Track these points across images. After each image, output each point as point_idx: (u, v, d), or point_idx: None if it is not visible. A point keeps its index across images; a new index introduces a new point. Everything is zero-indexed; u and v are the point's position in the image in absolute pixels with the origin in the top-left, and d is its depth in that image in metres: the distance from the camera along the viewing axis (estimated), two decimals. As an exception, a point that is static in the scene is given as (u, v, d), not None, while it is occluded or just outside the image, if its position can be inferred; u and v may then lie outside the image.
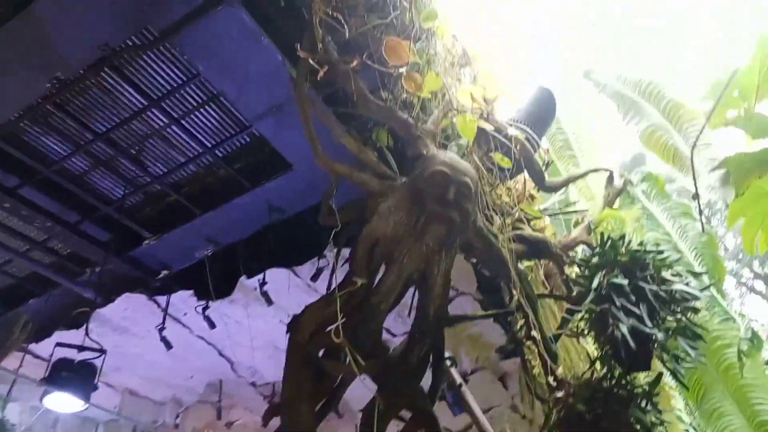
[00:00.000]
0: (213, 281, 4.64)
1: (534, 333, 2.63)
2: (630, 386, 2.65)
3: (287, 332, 2.65)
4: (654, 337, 2.49)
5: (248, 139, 4.26)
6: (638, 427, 2.55)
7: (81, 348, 3.65)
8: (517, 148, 2.90)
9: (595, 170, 3.30)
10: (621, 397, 2.58)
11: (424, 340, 2.73)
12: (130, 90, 3.75)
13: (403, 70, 2.48)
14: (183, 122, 4.07)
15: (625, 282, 2.59)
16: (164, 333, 4.78)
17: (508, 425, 5.95)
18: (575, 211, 4.01)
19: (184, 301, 5.25)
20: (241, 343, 5.48)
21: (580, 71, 5.19)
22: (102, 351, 3.60)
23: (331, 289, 2.70)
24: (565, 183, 3.30)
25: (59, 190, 4.43)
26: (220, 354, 6.12)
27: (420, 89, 2.49)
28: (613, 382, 2.71)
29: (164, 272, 5.01)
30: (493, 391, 6.65)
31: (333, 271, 2.88)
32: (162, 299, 5.13)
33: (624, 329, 2.49)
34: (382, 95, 3.12)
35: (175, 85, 3.75)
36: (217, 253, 4.87)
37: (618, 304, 2.62)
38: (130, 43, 3.39)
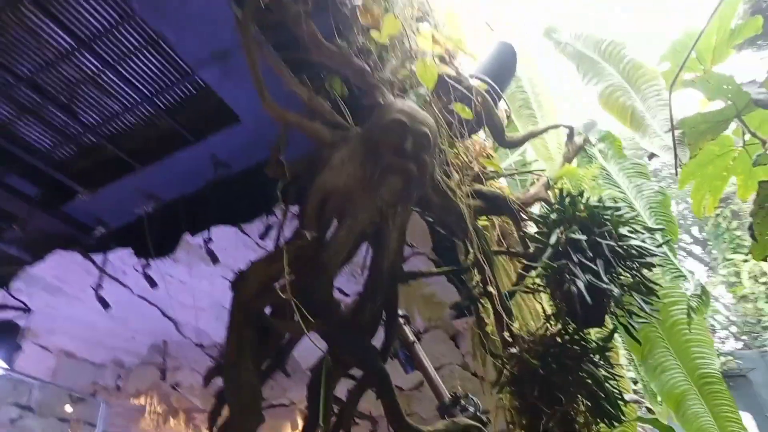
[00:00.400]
0: (154, 239, 4.37)
1: (490, 288, 2.57)
2: (583, 342, 2.64)
3: (231, 289, 2.48)
4: (610, 292, 2.46)
5: (192, 89, 3.95)
6: (590, 381, 2.55)
7: (1, 307, 3.34)
8: (479, 100, 2.77)
9: (555, 126, 3.22)
10: (574, 352, 2.56)
11: (377, 297, 2.62)
12: (57, 29, 3.38)
13: (359, 2, 2.27)
14: (118, 67, 3.72)
15: (583, 237, 2.54)
16: (101, 293, 4.50)
17: (458, 382, 6.04)
18: (533, 171, 3.96)
19: (123, 259, 4.96)
20: (186, 303, 5.26)
21: (541, 30, 5.08)
22: (26, 309, 3.32)
23: (279, 245, 2.54)
24: (525, 139, 3.21)
25: (-23, 139, 4.02)
26: (164, 315, 5.87)
27: (377, 25, 2.30)
28: (567, 337, 2.69)
29: (99, 228, 4.69)
30: (445, 349, 6.72)
31: (280, 226, 2.71)
32: (99, 258, 4.82)
33: (580, 284, 2.45)
34: (336, 43, 2.91)
35: (108, 26, 3.40)
36: (158, 209, 4.58)
37: (575, 259, 2.57)
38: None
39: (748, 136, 3.04)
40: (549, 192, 3.10)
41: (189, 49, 3.40)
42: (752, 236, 2.75)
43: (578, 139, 3.18)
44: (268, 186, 4.30)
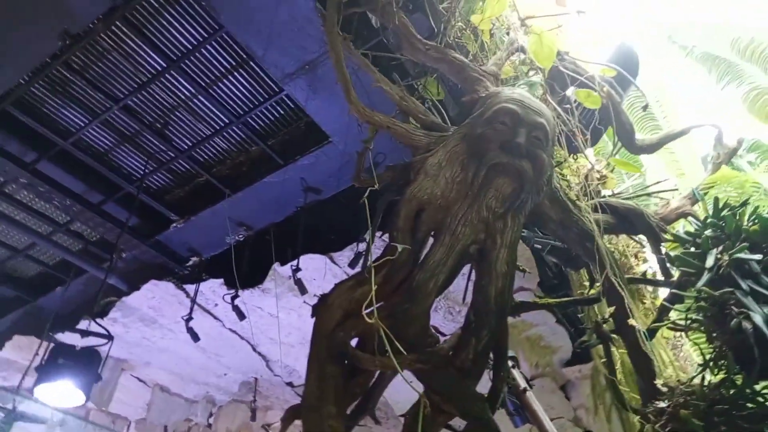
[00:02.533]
0: (243, 268, 4.22)
1: (631, 321, 2.02)
2: (761, 398, 1.99)
3: (312, 315, 2.14)
4: (800, 331, 1.83)
5: (281, 109, 3.82)
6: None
7: (85, 333, 3.25)
8: (604, 90, 2.30)
9: (699, 126, 2.65)
10: (752, 411, 1.92)
11: (482, 332, 2.15)
12: (148, 50, 3.37)
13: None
14: (210, 91, 3.67)
15: (757, 257, 1.94)
16: (192, 325, 4.38)
17: (571, 440, 5.26)
18: (665, 191, 3.33)
19: (214, 291, 4.86)
20: (275, 338, 5.05)
21: (661, 35, 4.50)
22: (109, 337, 3.20)
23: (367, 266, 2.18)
24: (661, 143, 2.65)
25: (80, 167, 4.12)
26: (254, 350, 5.70)
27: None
28: (733, 391, 2.05)
29: (193, 259, 4.62)
30: (554, 401, 5.93)
31: (368, 245, 2.35)
32: (191, 288, 4.75)
33: (758, 319, 1.85)
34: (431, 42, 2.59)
35: (196, 43, 3.35)
36: (248, 238, 4.45)
37: (744, 287, 1.97)
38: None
39: None
40: (695, 207, 2.50)
41: (276, 63, 3.23)
42: None
43: (729, 142, 2.57)
44: (360, 212, 3.94)
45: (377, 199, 2.33)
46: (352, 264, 3.78)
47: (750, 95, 3.63)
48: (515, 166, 1.91)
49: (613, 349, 2.60)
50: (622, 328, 2.13)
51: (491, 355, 2.24)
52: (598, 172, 3.06)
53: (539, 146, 1.94)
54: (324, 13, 2.59)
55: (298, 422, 2.10)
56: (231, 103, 3.74)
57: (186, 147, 4.02)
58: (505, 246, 2.09)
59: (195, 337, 4.38)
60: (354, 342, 2.16)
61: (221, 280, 4.69)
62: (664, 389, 2.01)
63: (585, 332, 4.05)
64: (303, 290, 3.98)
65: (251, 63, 3.46)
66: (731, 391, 2.05)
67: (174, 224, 4.47)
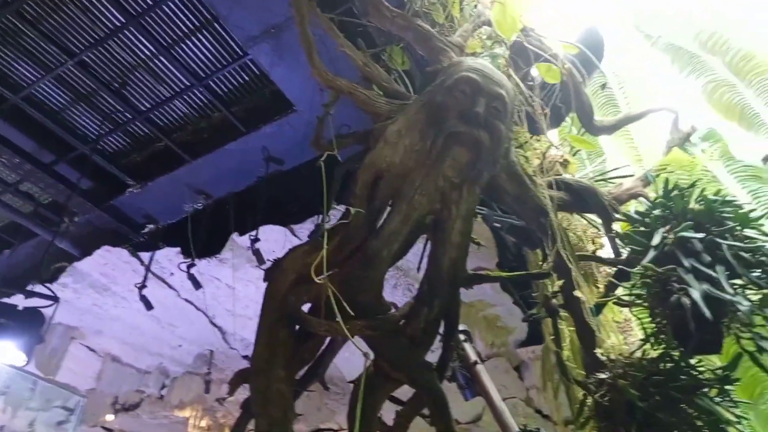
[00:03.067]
0: (200, 237, 4.14)
1: (577, 293, 2.07)
2: (695, 371, 2.07)
3: (265, 280, 2.12)
4: (735, 307, 1.90)
5: (245, 75, 3.73)
6: (705, 422, 1.97)
7: (29, 294, 3.15)
8: (566, 67, 2.32)
9: (656, 110, 2.71)
10: (684, 382, 2.00)
11: (434, 302, 2.17)
12: (106, 3, 3.23)
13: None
14: (172, 51, 3.55)
15: (699, 236, 2.00)
16: (146, 293, 4.29)
17: (522, 419, 5.40)
18: (620, 176, 3.40)
19: (170, 260, 4.76)
20: (233, 310, 5.00)
21: (628, 23, 4.57)
22: (54, 298, 3.10)
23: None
24: (619, 124, 2.71)
25: (32, 124, 3.95)
26: (211, 322, 5.63)
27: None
28: (671, 364, 2.13)
29: (149, 226, 4.51)
30: (507, 380, 6.09)
31: (325, 210, 2.34)
32: (146, 256, 4.64)
33: (696, 295, 1.91)
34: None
35: (156, -1, 3.22)
36: (207, 207, 4.36)
37: (687, 265, 2.03)
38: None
39: None
40: (647, 188, 2.57)
41: (241, 24, 3.15)
42: None
43: (684, 127, 2.64)
44: (322, 184, 3.90)
45: (341, 176, 2.31)
46: (312, 236, 3.76)
47: (708, 87, 3.72)
48: (473, 136, 1.91)
49: (563, 326, 2.67)
50: (569, 300, 2.18)
51: (442, 325, 2.27)
52: (561, 157, 3.11)
53: (498, 117, 1.95)
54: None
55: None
56: (193, 65, 3.64)
57: (145, 109, 3.90)
58: (460, 217, 2.10)
59: (148, 305, 4.30)
60: (307, 307, 2.15)
61: (178, 249, 4.60)
62: (606, 361, 2.08)
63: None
64: (261, 261, 3.94)
65: (215, 24, 3.36)
66: (668, 364, 2.13)
67: (130, 189, 4.35)
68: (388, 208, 2.23)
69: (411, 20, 2.35)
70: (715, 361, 2.36)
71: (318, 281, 1.82)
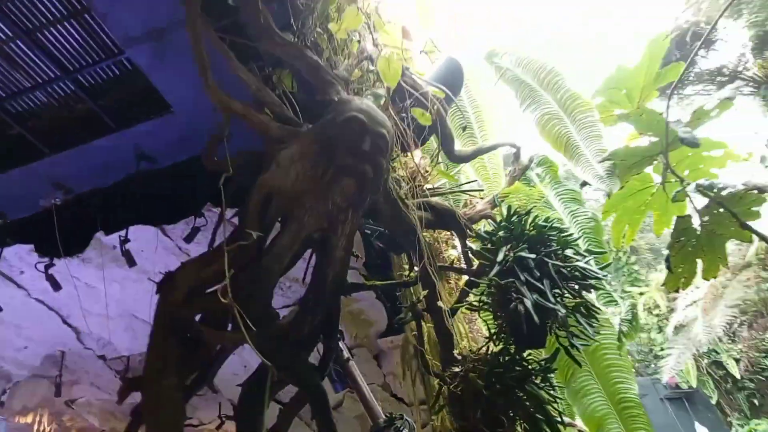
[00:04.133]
0: (61, 235, 3.92)
1: (440, 303, 2.47)
2: (525, 362, 2.59)
3: (157, 292, 2.21)
4: (556, 312, 2.43)
5: (118, 70, 3.61)
6: (531, 403, 2.50)
7: None
8: (434, 108, 2.70)
9: (505, 144, 3.22)
10: (517, 373, 2.50)
11: (318, 310, 2.44)
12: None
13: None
14: (33, 37, 3.32)
15: (532, 256, 2.51)
16: (-9, 294, 3.95)
17: (380, 403, 5.88)
18: (473, 190, 3.94)
19: (21, 257, 4.41)
20: (92, 310, 4.75)
21: (483, 54, 5.17)
22: None
23: (214, 246, 2.31)
24: (474, 155, 3.18)
25: None
26: (65, 321, 5.28)
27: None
28: (508, 358, 2.64)
29: (-3, 221, 4.15)
30: (367, 369, 6.56)
31: (218, 225, 2.48)
32: (-8, 253, 4.25)
33: (528, 303, 2.41)
34: (289, 37, 2.74)
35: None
36: (68, 202, 4.12)
37: (522, 278, 2.53)
38: None
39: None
40: (495, 210, 3.07)
41: (120, 22, 3.08)
42: (668, 267, 2.86)
43: (525, 160, 3.19)
44: (197, 184, 3.96)
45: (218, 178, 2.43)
46: (188, 238, 3.78)
47: (543, 119, 4.40)
48: (359, 169, 2.19)
49: (423, 324, 3.09)
50: (432, 307, 2.58)
51: (324, 329, 2.54)
52: (424, 169, 3.53)
53: (380, 153, 2.26)
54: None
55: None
56: (58, 54, 3.43)
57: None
58: (344, 235, 2.39)
59: (-5, 307, 3.97)
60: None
61: (30, 246, 4.28)
62: (459, 357, 2.51)
63: (400, 308, 4.61)
64: (131, 262, 3.87)
65: (86, 15, 3.22)
66: (507, 358, 2.63)
67: (-25, 180, 3.95)
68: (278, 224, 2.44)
69: (302, 50, 2.56)
70: (542, 353, 2.94)
71: (221, 299, 1.97)
